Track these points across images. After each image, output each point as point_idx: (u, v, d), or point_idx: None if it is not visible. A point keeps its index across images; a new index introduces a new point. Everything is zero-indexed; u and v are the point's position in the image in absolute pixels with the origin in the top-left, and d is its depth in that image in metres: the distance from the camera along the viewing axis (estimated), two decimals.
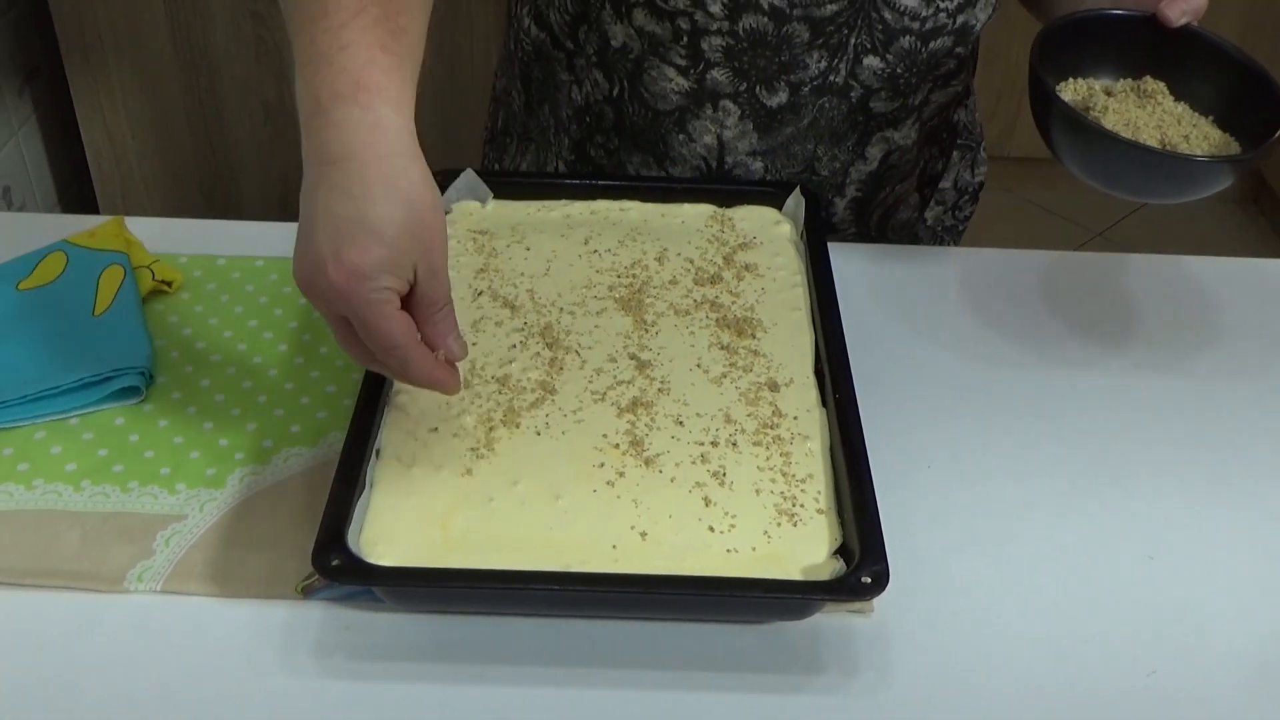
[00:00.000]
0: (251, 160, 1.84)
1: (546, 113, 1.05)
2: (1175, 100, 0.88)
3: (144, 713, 0.65)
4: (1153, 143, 0.83)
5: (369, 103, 0.64)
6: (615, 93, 0.98)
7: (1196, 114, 0.87)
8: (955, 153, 1.09)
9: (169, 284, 0.93)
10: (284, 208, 1.88)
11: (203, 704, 0.66)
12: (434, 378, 0.68)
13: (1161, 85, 0.88)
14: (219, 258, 0.97)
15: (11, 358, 0.84)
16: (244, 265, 0.96)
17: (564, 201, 0.95)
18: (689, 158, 1.00)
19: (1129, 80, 0.89)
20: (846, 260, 0.96)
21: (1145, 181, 0.83)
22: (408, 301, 0.66)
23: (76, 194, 1.95)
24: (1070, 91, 0.88)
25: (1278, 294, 1.00)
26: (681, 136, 0.99)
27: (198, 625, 0.70)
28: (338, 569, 0.65)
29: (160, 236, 0.97)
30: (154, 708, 0.65)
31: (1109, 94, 0.88)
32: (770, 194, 0.95)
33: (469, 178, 0.95)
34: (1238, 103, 0.86)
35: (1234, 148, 0.84)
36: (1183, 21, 0.86)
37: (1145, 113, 0.86)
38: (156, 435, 0.81)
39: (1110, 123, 0.84)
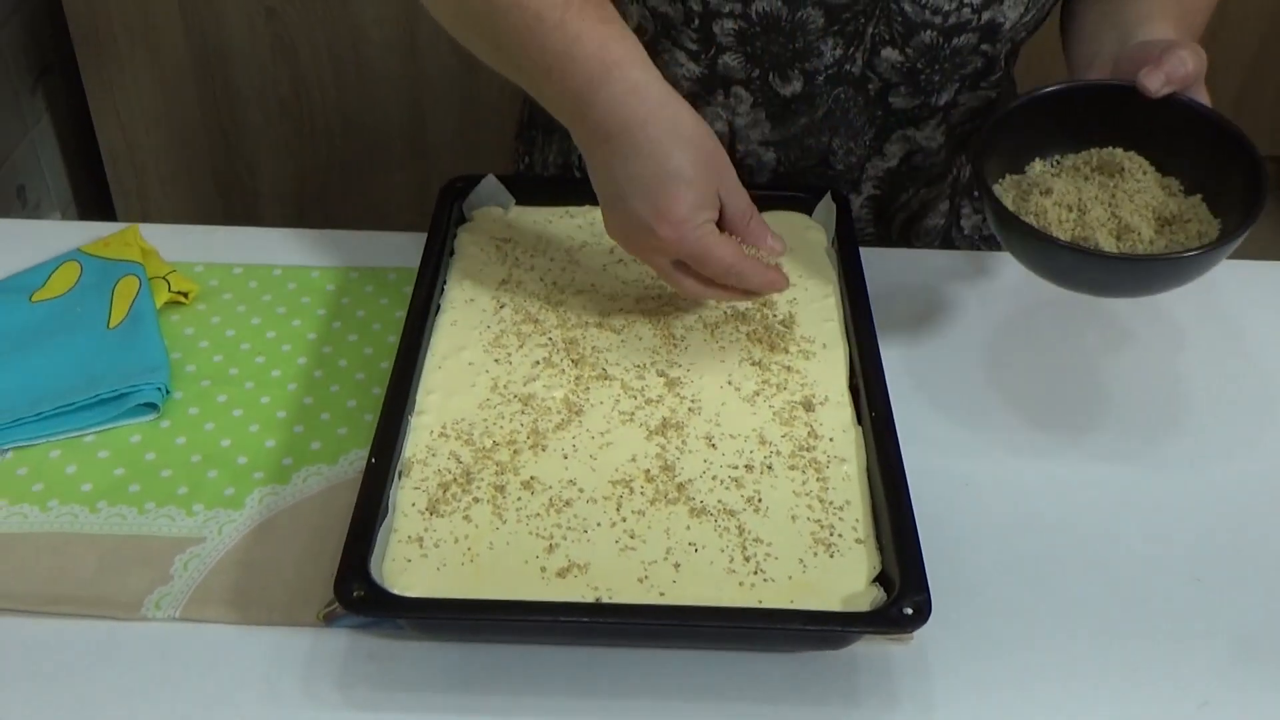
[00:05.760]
0: (268, 158, 1.82)
1: None
2: (1164, 175, 0.81)
3: None
4: (1098, 226, 0.77)
5: (622, 75, 0.73)
6: None
7: (1179, 194, 0.80)
8: None
9: (185, 295, 0.91)
10: (300, 206, 1.86)
11: None
12: (768, 280, 0.77)
13: (1139, 160, 0.81)
14: (235, 266, 0.95)
15: (26, 373, 0.82)
16: (261, 274, 0.94)
17: (586, 207, 0.93)
18: None
19: (1105, 151, 0.82)
20: (870, 264, 0.94)
21: (1073, 277, 0.76)
22: (720, 224, 0.76)
23: (91, 193, 1.93)
24: (1039, 168, 0.83)
25: None
26: None
27: (217, 653, 0.68)
28: (360, 601, 0.63)
29: (175, 244, 0.95)
30: None
31: (1077, 170, 0.81)
32: (800, 199, 0.93)
33: (490, 184, 0.93)
34: (1225, 178, 0.79)
35: (1214, 230, 0.77)
36: (1165, 92, 0.78)
37: (1105, 192, 0.79)
38: (173, 453, 0.79)
39: (1055, 200, 0.78)
